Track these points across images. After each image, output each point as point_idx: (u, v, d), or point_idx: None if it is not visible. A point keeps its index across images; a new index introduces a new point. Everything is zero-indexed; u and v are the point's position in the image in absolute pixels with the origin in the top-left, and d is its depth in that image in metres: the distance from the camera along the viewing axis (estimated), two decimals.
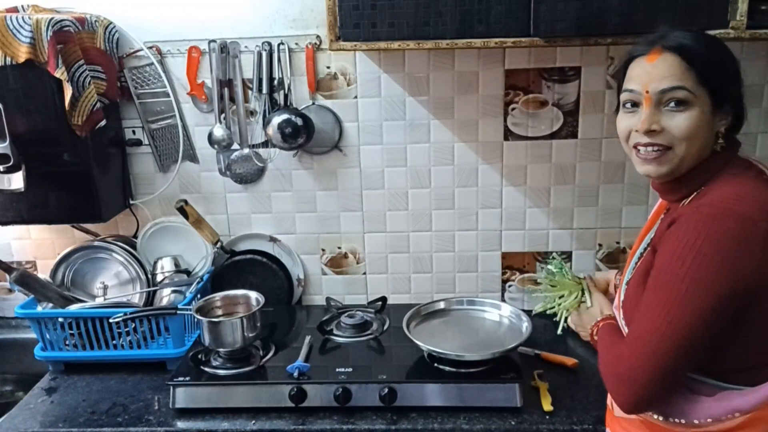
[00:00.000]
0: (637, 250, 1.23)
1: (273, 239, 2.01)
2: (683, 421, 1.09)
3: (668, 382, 1.05)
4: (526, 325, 1.65)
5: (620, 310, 1.21)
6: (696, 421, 1.08)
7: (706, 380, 1.09)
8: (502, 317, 1.76)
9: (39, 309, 1.80)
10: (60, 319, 1.73)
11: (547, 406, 1.51)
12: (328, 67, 1.85)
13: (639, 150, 1.11)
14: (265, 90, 1.84)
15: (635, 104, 1.11)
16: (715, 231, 0.98)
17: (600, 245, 1.95)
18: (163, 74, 1.85)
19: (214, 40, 1.81)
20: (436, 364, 1.59)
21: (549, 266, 1.48)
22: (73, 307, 1.79)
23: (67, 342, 1.75)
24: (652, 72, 1.08)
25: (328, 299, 1.99)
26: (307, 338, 1.74)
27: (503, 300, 1.99)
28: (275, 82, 1.85)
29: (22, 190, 1.68)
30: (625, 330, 1.19)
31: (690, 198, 1.12)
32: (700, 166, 1.10)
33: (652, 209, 1.31)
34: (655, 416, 1.12)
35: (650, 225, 1.25)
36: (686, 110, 1.06)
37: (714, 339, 1.02)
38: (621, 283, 1.24)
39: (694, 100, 1.06)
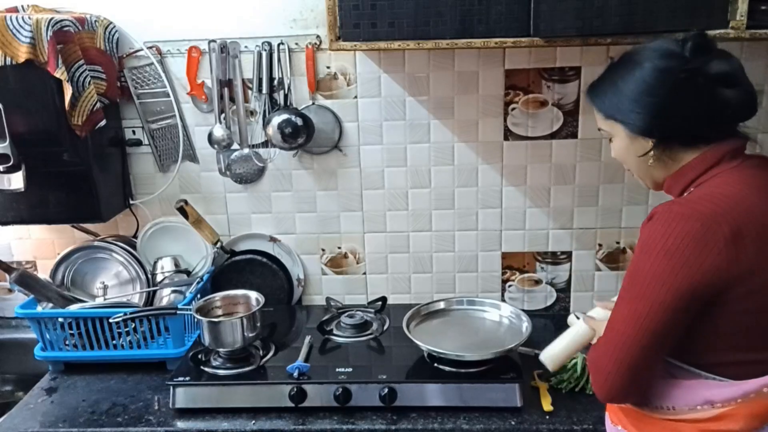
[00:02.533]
0: None
1: (273, 239, 2.01)
2: (663, 406, 1.12)
3: (634, 373, 1.08)
4: (526, 325, 1.65)
5: None
6: (673, 407, 1.11)
7: (687, 368, 1.11)
8: (502, 317, 1.76)
9: (39, 309, 1.80)
10: (60, 319, 1.73)
11: (547, 406, 1.51)
12: (328, 67, 1.85)
13: None
14: (265, 90, 1.84)
15: None
16: (679, 230, 1.02)
17: (600, 245, 1.95)
18: (163, 74, 1.85)
19: (214, 40, 1.81)
20: (436, 364, 1.59)
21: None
22: (73, 307, 1.79)
23: (67, 342, 1.75)
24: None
25: (328, 299, 1.99)
26: (307, 338, 1.74)
27: (503, 300, 1.99)
28: (275, 82, 1.85)
29: (22, 190, 1.68)
30: None
31: (686, 194, 1.15)
32: (687, 168, 1.14)
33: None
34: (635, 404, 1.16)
35: None
36: (613, 140, 1.21)
37: (680, 333, 1.06)
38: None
39: (611, 132, 1.20)
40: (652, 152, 1.14)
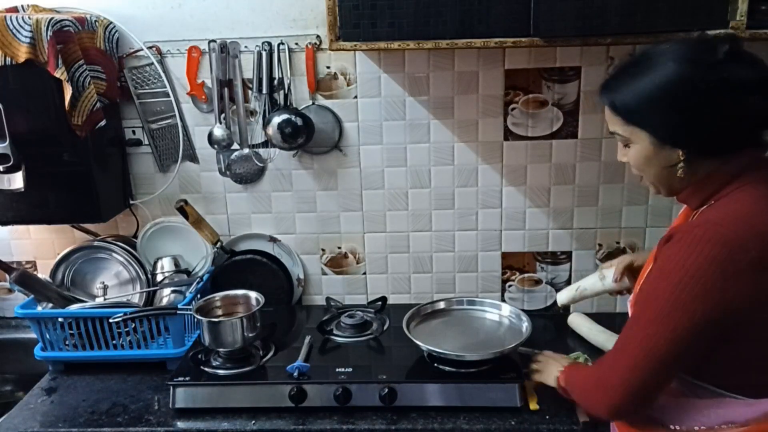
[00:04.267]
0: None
1: (273, 239, 2.01)
2: (677, 427, 1.10)
3: (645, 394, 1.06)
4: (526, 325, 1.65)
5: (632, 307, 1.22)
6: (689, 428, 1.09)
7: (709, 387, 1.09)
8: (502, 317, 1.76)
9: (39, 309, 1.80)
10: (60, 319, 1.73)
11: (533, 405, 1.50)
12: (328, 67, 1.85)
13: None
14: (265, 90, 1.84)
15: None
16: (704, 255, 0.98)
17: (600, 245, 1.95)
18: (163, 74, 1.85)
19: (214, 40, 1.81)
20: (436, 364, 1.59)
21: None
22: (73, 307, 1.79)
23: (67, 342, 1.75)
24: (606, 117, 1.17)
25: (328, 299, 1.99)
26: (307, 338, 1.74)
27: (503, 300, 1.99)
28: (275, 82, 1.85)
29: (22, 190, 1.68)
30: None
31: (700, 210, 1.12)
32: (707, 178, 1.10)
33: (661, 209, 1.33)
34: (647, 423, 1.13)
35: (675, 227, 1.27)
36: (631, 147, 1.13)
37: (697, 356, 1.03)
38: (640, 278, 1.24)
39: (629, 139, 1.12)
40: (681, 164, 1.08)
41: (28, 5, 1.78)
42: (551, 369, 1.39)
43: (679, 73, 1.04)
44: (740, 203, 1.05)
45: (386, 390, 1.51)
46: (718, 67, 1.03)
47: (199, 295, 1.81)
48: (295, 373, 1.55)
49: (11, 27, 1.57)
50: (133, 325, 1.71)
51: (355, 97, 1.87)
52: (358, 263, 2.02)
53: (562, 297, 1.67)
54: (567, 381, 1.31)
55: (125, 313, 1.67)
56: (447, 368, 1.57)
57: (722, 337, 1.01)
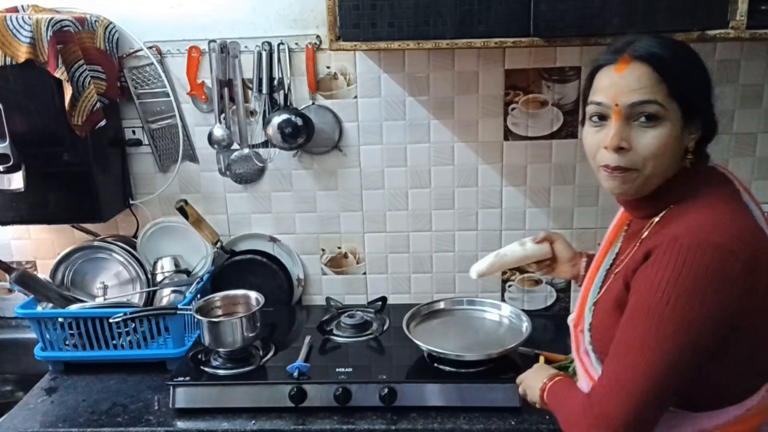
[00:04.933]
0: (602, 266, 1.18)
1: (273, 239, 2.01)
2: None
3: (647, 422, 0.97)
4: (526, 325, 1.65)
5: (586, 332, 1.13)
6: None
7: (674, 410, 1.04)
8: (502, 317, 1.76)
9: (39, 309, 1.80)
10: (60, 319, 1.73)
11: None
12: (328, 67, 1.85)
13: (605, 170, 1.06)
14: (265, 90, 1.84)
15: (603, 117, 1.03)
16: (695, 266, 0.91)
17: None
18: (163, 74, 1.85)
19: (214, 40, 1.81)
20: (436, 364, 1.59)
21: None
22: (73, 307, 1.79)
23: (67, 342, 1.75)
24: (621, 83, 1.00)
25: (328, 299, 1.99)
26: (307, 338, 1.74)
27: (503, 300, 1.99)
28: (275, 82, 1.85)
29: (22, 190, 1.68)
30: (585, 347, 1.14)
31: (660, 216, 1.06)
32: (670, 183, 1.04)
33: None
34: None
35: (612, 238, 1.21)
36: (657, 126, 0.99)
37: (696, 370, 0.97)
38: (584, 301, 1.16)
39: (665, 114, 0.98)
40: (690, 153, 1.02)
41: (28, 5, 1.78)
42: (534, 386, 1.26)
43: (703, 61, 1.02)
44: (710, 210, 0.99)
45: (386, 390, 1.51)
46: None
47: (199, 295, 1.81)
48: (295, 373, 1.55)
49: (11, 27, 1.57)
50: (133, 325, 1.71)
51: (355, 97, 1.87)
52: (358, 263, 2.02)
53: (481, 266, 1.50)
54: (550, 400, 1.18)
55: (125, 313, 1.68)
56: (447, 368, 1.57)
57: (719, 348, 0.96)
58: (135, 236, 1.99)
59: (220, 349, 1.64)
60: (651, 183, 1.03)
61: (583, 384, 1.17)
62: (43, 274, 1.94)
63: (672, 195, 1.04)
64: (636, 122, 1.00)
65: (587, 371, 1.14)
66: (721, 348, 0.96)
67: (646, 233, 1.07)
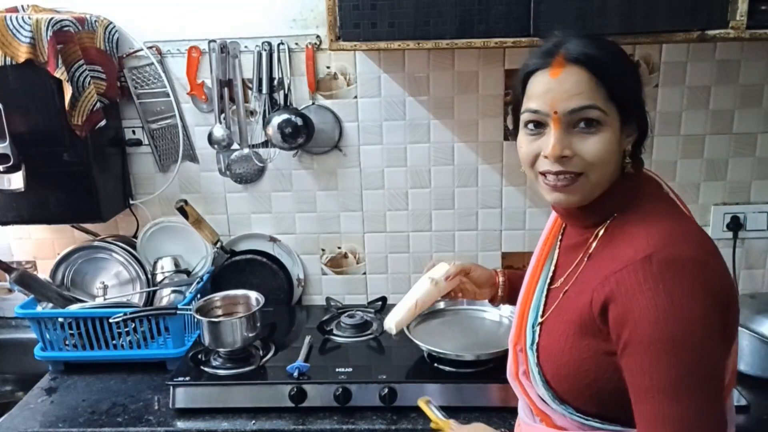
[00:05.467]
0: (539, 282, 1.12)
1: (273, 239, 2.01)
2: None
3: None
4: None
5: (530, 352, 1.06)
6: None
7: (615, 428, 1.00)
8: (501, 317, 1.76)
9: (39, 309, 1.80)
10: (60, 319, 1.73)
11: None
12: (328, 67, 1.85)
13: (547, 177, 0.99)
14: (265, 90, 1.84)
15: (540, 125, 0.98)
16: (681, 286, 0.87)
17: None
18: (163, 74, 1.85)
19: (214, 40, 1.81)
20: (435, 364, 1.59)
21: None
22: (73, 307, 1.79)
23: (67, 342, 1.75)
24: (558, 89, 0.94)
25: (328, 299, 1.99)
26: (307, 338, 1.74)
27: None
28: (275, 82, 1.85)
29: (22, 190, 1.68)
30: (527, 368, 1.06)
31: (604, 226, 1.01)
32: (613, 190, 0.99)
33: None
34: None
35: (547, 251, 1.15)
36: (598, 132, 0.94)
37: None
38: (523, 319, 1.10)
39: (605, 119, 0.94)
40: (627, 157, 0.99)
41: (28, 5, 1.78)
42: None
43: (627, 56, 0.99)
44: (661, 220, 0.95)
45: (386, 390, 1.51)
46: None
47: (199, 295, 1.81)
48: (295, 373, 1.55)
49: (11, 27, 1.57)
50: (133, 325, 1.71)
51: (355, 97, 1.87)
52: (358, 263, 2.02)
53: (398, 320, 1.45)
54: None
55: (125, 313, 1.68)
56: (447, 368, 1.57)
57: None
58: (135, 236, 1.99)
59: (220, 349, 1.64)
60: (596, 191, 0.99)
61: (522, 405, 1.13)
62: (43, 274, 1.94)
63: (614, 202, 1.00)
64: (576, 129, 0.95)
65: (526, 392, 1.09)
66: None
67: (594, 245, 1.02)
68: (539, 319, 1.08)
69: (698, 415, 0.86)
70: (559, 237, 1.16)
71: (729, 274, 0.95)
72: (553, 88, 0.95)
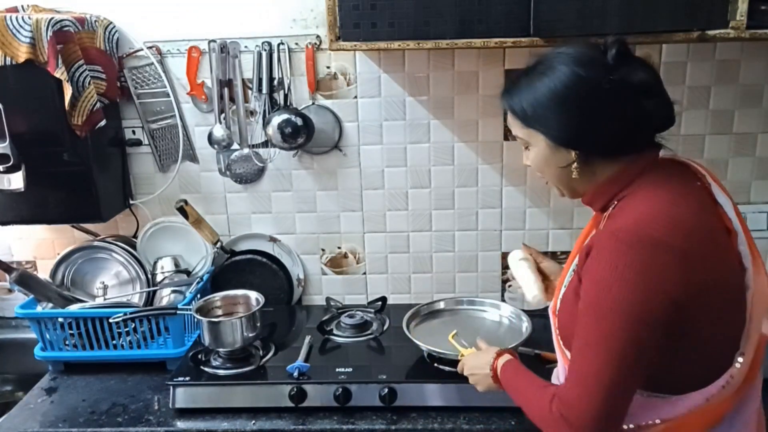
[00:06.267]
0: (574, 258, 1.20)
1: (273, 239, 2.01)
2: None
3: (617, 413, 1.02)
4: (525, 325, 1.66)
5: (555, 316, 1.20)
6: (624, 426, 1.08)
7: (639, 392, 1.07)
8: (502, 317, 1.76)
9: (39, 309, 1.80)
10: (60, 319, 1.73)
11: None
12: (328, 67, 1.85)
13: None
14: (265, 90, 1.84)
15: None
16: (631, 258, 0.97)
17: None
18: (163, 74, 1.85)
19: (214, 40, 1.81)
20: (436, 364, 1.59)
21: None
22: (73, 307, 1.79)
23: (67, 342, 1.75)
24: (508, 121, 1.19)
25: (328, 299, 1.99)
26: (307, 338, 1.74)
27: (503, 300, 1.99)
28: (275, 82, 1.85)
29: (22, 190, 1.68)
30: (555, 335, 1.19)
31: (610, 209, 1.13)
32: (608, 180, 1.11)
33: None
34: None
35: (587, 232, 1.26)
36: (530, 149, 1.16)
37: (653, 360, 1.01)
38: (559, 285, 1.21)
39: (528, 142, 1.15)
40: (575, 164, 1.11)
41: (28, 5, 1.78)
42: (480, 364, 1.31)
43: (569, 77, 1.06)
44: (649, 201, 1.05)
45: (386, 390, 1.51)
46: (608, 70, 1.05)
47: (199, 295, 1.81)
48: (295, 373, 1.55)
49: (11, 27, 1.57)
50: (133, 325, 1.72)
51: (355, 97, 1.87)
52: (358, 263, 2.02)
53: (537, 291, 1.46)
54: (505, 378, 1.24)
55: (125, 313, 1.68)
56: (447, 368, 1.57)
57: (668, 336, 1.01)
58: (135, 236, 1.99)
59: (220, 349, 1.64)
60: (561, 189, 1.20)
61: (559, 366, 1.23)
62: (43, 274, 1.94)
63: (615, 188, 1.11)
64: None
65: (562, 354, 1.19)
66: (674, 334, 1.01)
67: (601, 225, 1.15)
68: (564, 287, 1.19)
69: (592, 377, 1.00)
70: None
71: (699, 268, 1.00)
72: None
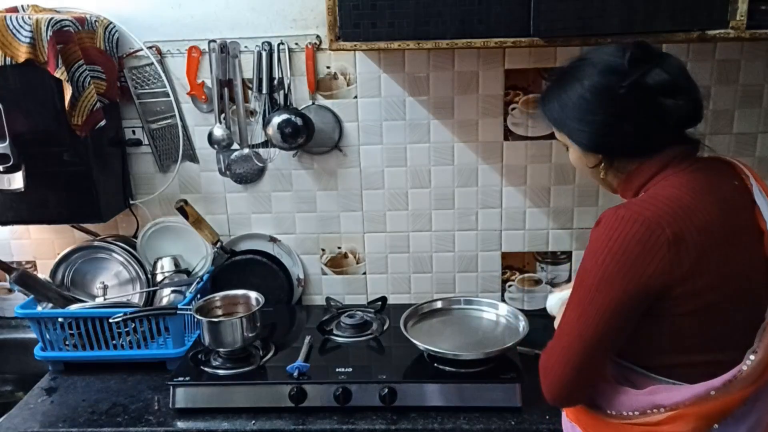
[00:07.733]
0: None
1: (273, 239, 2.01)
2: (613, 412, 1.14)
3: (581, 376, 1.10)
4: (523, 325, 1.66)
5: None
6: (624, 413, 1.13)
7: (638, 369, 1.12)
8: (499, 317, 1.76)
9: (39, 309, 1.80)
10: (60, 319, 1.73)
11: None
12: (328, 67, 1.85)
13: None
14: (265, 90, 1.84)
15: None
16: (624, 233, 1.03)
17: None
18: (163, 74, 1.85)
19: (214, 40, 1.81)
20: (435, 364, 1.59)
21: None
22: (73, 307, 1.79)
23: (67, 342, 1.75)
24: None
25: (328, 299, 2.00)
26: (307, 338, 1.74)
27: (503, 300, 1.99)
28: (275, 82, 1.85)
29: (22, 190, 1.68)
30: None
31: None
32: (635, 172, 1.16)
33: None
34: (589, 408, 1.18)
35: None
36: (569, 150, 1.22)
37: (627, 334, 1.08)
38: None
39: (564, 143, 1.21)
40: (602, 164, 1.17)
41: (28, 5, 1.78)
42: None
43: (587, 85, 1.11)
44: (663, 189, 1.10)
45: (386, 390, 1.51)
46: (624, 76, 1.08)
47: (199, 295, 1.81)
48: (295, 373, 1.56)
49: (11, 27, 1.57)
50: (133, 325, 1.71)
51: (355, 97, 1.87)
52: (358, 263, 2.02)
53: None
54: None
55: (125, 313, 1.68)
56: (447, 368, 1.57)
57: (647, 313, 1.05)
58: (135, 236, 1.99)
59: (220, 349, 1.64)
60: (600, 185, 1.25)
61: None
62: (43, 274, 1.94)
63: (638, 181, 1.15)
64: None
65: None
66: (657, 311, 1.05)
67: None
68: None
69: (566, 336, 1.09)
70: None
71: (703, 259, 1.03)
72: None
